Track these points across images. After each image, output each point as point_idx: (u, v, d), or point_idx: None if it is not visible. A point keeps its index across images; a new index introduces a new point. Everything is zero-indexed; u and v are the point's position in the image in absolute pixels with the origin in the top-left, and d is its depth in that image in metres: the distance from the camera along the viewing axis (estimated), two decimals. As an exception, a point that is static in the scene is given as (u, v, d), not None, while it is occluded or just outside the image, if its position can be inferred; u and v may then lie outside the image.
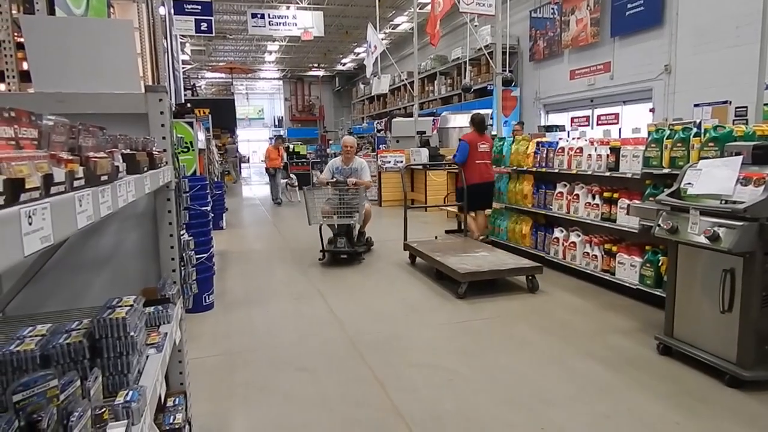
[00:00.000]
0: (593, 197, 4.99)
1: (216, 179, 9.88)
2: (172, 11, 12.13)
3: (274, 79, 34.49)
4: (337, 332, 4.08)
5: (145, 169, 1.51)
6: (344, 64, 30.79)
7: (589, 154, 5.00)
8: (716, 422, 2.69)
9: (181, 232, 2.26)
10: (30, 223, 0.62)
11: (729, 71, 9.25)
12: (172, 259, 2.12)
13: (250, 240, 8.64)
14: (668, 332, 3.43)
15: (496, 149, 6.67)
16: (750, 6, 8.90)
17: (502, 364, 3.44)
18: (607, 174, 4.77)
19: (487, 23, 14.23)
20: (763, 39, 5.62)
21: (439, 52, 18.68)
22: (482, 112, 7.58)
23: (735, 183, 2.95)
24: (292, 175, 14.39)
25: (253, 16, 15.53)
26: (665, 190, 3.53)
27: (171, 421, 1.97)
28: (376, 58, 15.56)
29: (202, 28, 13.51)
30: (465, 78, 15.18)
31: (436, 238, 6.92)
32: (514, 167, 6.23)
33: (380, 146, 15.12)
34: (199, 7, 13.49)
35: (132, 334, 1.37)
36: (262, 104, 34.92)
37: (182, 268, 2.19)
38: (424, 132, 13.19)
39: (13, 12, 3.52)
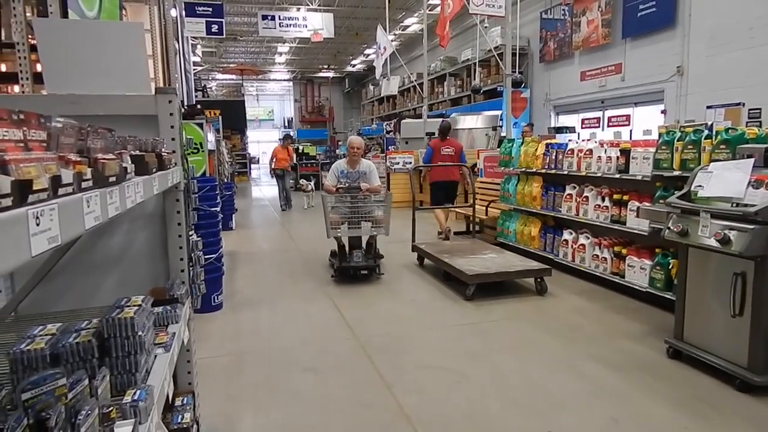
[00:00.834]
0: (603, 199, 4.96)
1: (226, 180, 9.94)
2: (184, 13, 12.26)
3: (284, 80, 34.63)
4: (345, 333, 4.09)
5: (154, 170, 1.53)
6: (354, 66, 30.84)
7: (599, 156, 4.97)
8: (726, 427, 2.66)
9: (190, 233, 2.28)
10: (38, 224, 0.63)
11: (742, 73, 9.15)
12: (181, 259, 2.14)
13: (260, 241, 8.68)
14: (678, 336, 3.39)
15: (504, 150, 6.66)
16: (764, 7, 8.81)
17: (509, 366, 3.42)
18: (617, 176, 4.73)
19: (497, 24, 14.18)
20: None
21: (448, 54, 18.65)
22: (495, 113, 7.73)
23: (746, 186, 2.91)
24: (303, 181, 13.10)
25: (264, 17, 15.62)
26: (676, 192, 3.50)
27: (179, 420, 1.99)
28: (386, 60, 15.58)
29: (213, 30, 13.63)
30: (475, 79, 15.15)
31: (444, 238, 6.91)
32: (523, 169, 6.20)
33: (389, 147, 15.14)
34: (210, 9, 13.61)
35: (140, 333, 1.39)
36: (272, 105, 35.07)
37: (191, 268, 2.21)
38: (434, 133, 13.17)
39: (27, 15, 3.57)
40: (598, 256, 4.99)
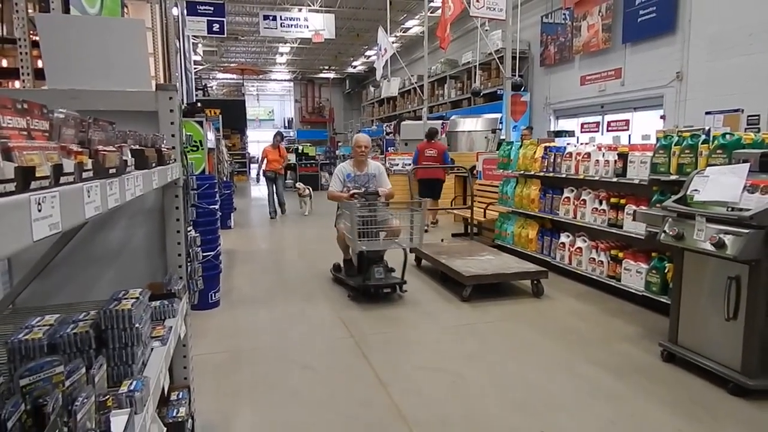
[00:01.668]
0: (600, 203, 4.98)
1: (225, 179, 9.95)
2: (185, 12, 12.27)
3: (284, 80, 34.68)
4: (342, 332, 4.10)
5: (154, 165, 1.54)
6: (355, 67, 30.90)
7: (597, 160, 4.99)
8: (719, 430, 2.68)
9: (188, 229, 2.29)
10: (39, 210, 0.64)
11: (742, 79, 9.19)
12: (179, 254, 2.16)
13: (258, 240, 8.70)
14: (672, 339, 3.41)
15: (503, 153, 6.69)
16: (764, 14, 8.85)
17: (506, 367, 3.44)
18: (615, 180, 4.76)
19: (498, 28, 14.23)
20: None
21: (449, 56, 18.70)
22: (494, 116, 7.80)
23: (742, 190, 2.94)
24: (299, 184, 11.75)
25: (265, 17, 15.66)
26: (672, 196, 3.52)
27: (174, 414, 2.00)
28: (387, 61, 15.63)
29: (214, 29, 13.66)
30: (475, 82, 15.18)
31: (442, 241, 6.93)
32: (522, 171, 6.23)
33: (389, 149, 15.17)
34: (212, 8, 13.64)
35: (137, 325, 1.40)
36: (272, 105, 35.10)
37: (188, 263, 2.22)
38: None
39: (29, 11, 3.59)
40: (594, 259, 5.01)
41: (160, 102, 2.02)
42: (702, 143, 3.84)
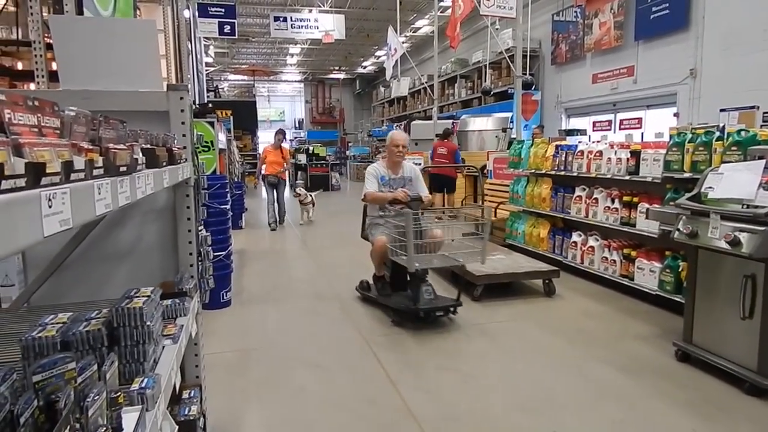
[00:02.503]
0: (612, 201, 4.93)
1: (236, 179, 10.01)
2: (197, 14, 12.37)
3: (295, 81, 34.81)
4: (352, 331, 4.10)
5: (164, 164, 1.55)
6: (365, 67, 30.93)
7: (609, 158, 4.94)
8: (734, 430, 2.64)
9: (199, 228, 2.30)
10: (50, 206, 0.65)
11: (757, 76, 9.05)
12: (190, 253, 2.17)
13: (269, 240, 8.73)
14: (687, 339, 3.37)
15: (514, 152, 6.66)
16: (779, 9, 8.71)
17: (516, 367, 3.42)
18: (627, 178, 4.71)
19: (508, 26, 14.16)
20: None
21: (459, 56, 18.65)
22: (505, 115, 7.80)
23: (757, 187, 2.89)
24: (300, 189, 10.16)
25: (276, 19, 15.73)
26: (686, 194, 3.48)
27: (186, 412, 2.01)
28: (397, 61, 15.62)
29: (226, 30, 13.75)
30: (485, 81, 15.12)
31: (452, 240, 6.90)
32: (533, 170, 6.19)
33: (399, 149, 15.12)
34: (223, 10, 13.73)
35: (148, 323, 1.41)
36: (283, 106, 35.25)
37: (199, 262, 2.24)
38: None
39: (44, 14, 3.64)
40: (607, 258, 4.96)
41: (171, 102, 2.04)
42: (716, 140, 3.79)
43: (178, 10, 7.18)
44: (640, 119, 12.46)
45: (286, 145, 10.01)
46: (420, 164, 11.52)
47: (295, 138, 29.88)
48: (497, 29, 13.79)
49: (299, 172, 17.50)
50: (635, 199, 4.67)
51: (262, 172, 9.48)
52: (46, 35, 3.46)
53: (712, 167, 3.45)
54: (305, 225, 9.80)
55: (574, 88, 14.29)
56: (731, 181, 3.07)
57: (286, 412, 2.90)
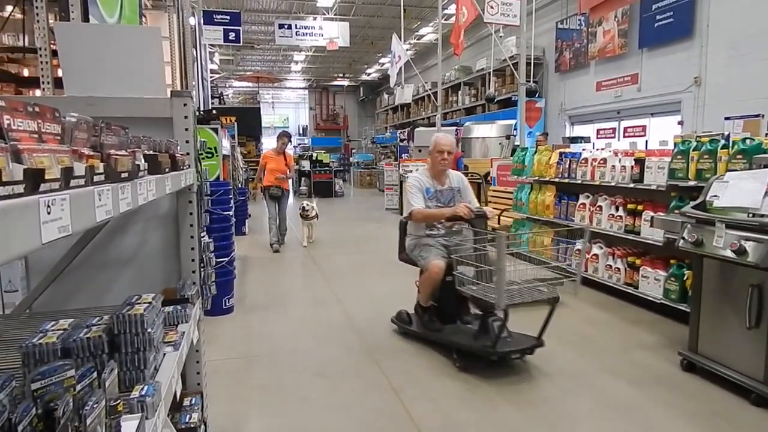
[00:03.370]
0: (617, 209, 4.91)
1: (240, 186, 10.02)
2: (202, 21, 12.46)
3: (299, 88, 34.93)
4: (355, 339, 4.08)
5: (167, 170, 1.55)
6: (369, 75, 31.02)
7: (613, 165, 4.93)
8: (741, 442, 2.61)
9: (202, 235, 2.30)
10: (49, 213, 0.64)
11: (762, 84, 9.02)
12: (192, 260, 2.16)
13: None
14: (692, 348, 3.34)
15: (518, 159, 6.65)
16: (783, 17, 8.70)
17: (520, 376, 3.39)
18: (631, 185, 4.69)
19: (512, 34, 14.18)
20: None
21: (463, 63, 18.69)
22: (508, 123, 7.87)
23: (763, 196, 2.87)
24: (306, 203, 8.30)
25: (281, 26, 15.80)
26: (691, 202, 3.46)
27: (187, 420, 2.00)
28: (401, 68, 15.67)
29: (231, 38, 13.82)
30: (489, 88, 15.14)
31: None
32: (537, 178, 6.17)
33: (402, 155, 15.17)
34: (228, 17, 13.81)
35: (149, 330, 1.40)
36: (287, 113, 35.35)
37: (202, 269, 2.23)
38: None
39: (50, 21, 3.67)
40: (611, 266, 4.93)
41: (174, 108, 2.04)
42: (721, 148, 3.77)
43: (184, 17, 7.23)
44: (644, 127, 12.43)
45: (290, 151, 8.25)
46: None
47: (299, 144, 29.93)
48: (501, 37, 13.82)
49: (302, 179, 17.52)
50: (639, 207, 4.65)
51: (262, 182, 7.89)
52: (52, 42, 3.49)
53: (717, 175, 3.43)
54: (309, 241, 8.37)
55: (578, 95, 14.29)
56: (737, 190, 3.05)
57: (288, 419, 2.88)
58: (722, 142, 3.83)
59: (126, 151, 1.13)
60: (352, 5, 18.26)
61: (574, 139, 12.65)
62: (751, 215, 2.90)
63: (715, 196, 3.17)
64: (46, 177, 0.64)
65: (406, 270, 5.30)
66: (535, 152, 6.34)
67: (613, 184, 4.92)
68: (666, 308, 4.26)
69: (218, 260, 3.96)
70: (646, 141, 11.63)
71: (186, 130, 2.07)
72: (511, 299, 3.14)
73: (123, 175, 1.01)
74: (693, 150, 3.98)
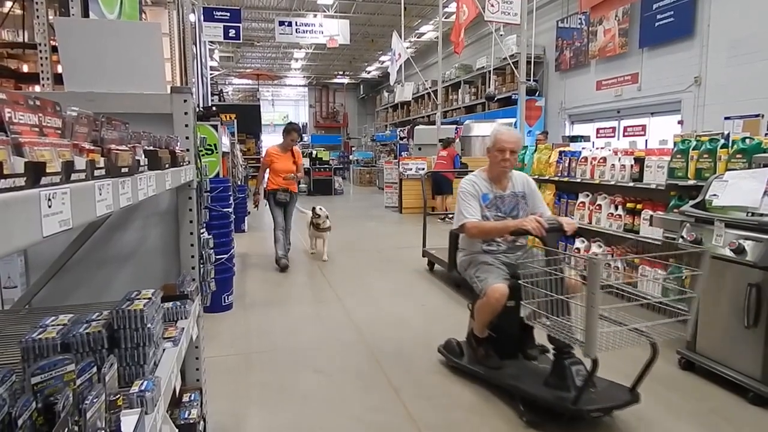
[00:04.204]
0: (616, 208, 4.91)
1: (240, 183, 10.01)
2: (202, 18, 12.44)
3: (299, 86, 34.90)
4: (355, 337, 4.09)
5: (167, 166, 1.55)
6: (369, 72, 31.00)
7: (613, 164, 4.93)
8: (739, 441, 2.61)
9: (202, 231, 2.30)
10: (50, 206, 0.64)
11: (761, 84, 9.03)
12: (192, 256, 2.16)
13: (272, 243, 8.71)
14: (691, 347, 3.34)
15: (518, 157, 6.65)
16: (784, 17, 8.69)
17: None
18: (631, 184, 4.69)
19: (512, 33, 14.17)
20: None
21: (463, 61, 18.68)
22: (508, 121, 8.01)
23: (762, 195, 2.87)
24: (320, 209, 6.82)
25: (281, 23, 15.80)
26: (690, 201, 3.46)
27: (186, 416, 2.00)
28: (401, 66, 15.65)
29: (231, 35, 13.80)
30: (489, 87, 15.14)
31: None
32: (536, 176, 6.16)
33: (402, 153, 15.17)
34: (228, 14, 13.79)
35: (149, 325, 1.40)
36: (287, 110, 35.29)
37: (201, 265, 2.23)
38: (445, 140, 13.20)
39: (50, 17, 3.66)
40: (609, 265, 4.93)
41: (174, 104, 2.04)
42: (721, 148, 3.78)
43: (184, 14, 7.21)
44: (644, 126, 12.43)
45: (298, 148, 6.70)
46: (423, 168, 11.53)
47: (299, 142, 29.94)
48: (501, 35, 13.81)
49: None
50: (639, 206, 4.65)
51: (265, 184, 6.54)
52: (51, 38, 3.48)
53: (716, 175, 3.44)
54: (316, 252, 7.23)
55: (578, 94, 14.28)
56: (736, 189, 3.06)
57: (288, 416, 2.88)
58: (722, 141, 3.83)
59: (126, 146, 1.13)
60: (353, 3, 18.25)
61: (574, 138, 12.63)
62: (750, 214, 2.91)
63: (715, 195, 3.18)
64: (47, 170, 0.65)
65: (406, 268, 5.33)
66: (535, 151, 6.34)
67: (612, 182, 4.92)
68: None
69: (218, 257, 3.96)
70: (646, 140, 11.64)
71: (186, 126, 2.07)
72: (604, 346, 2.40)
73: (123, 170, 1.01)
74: (692, 149, 3.99)
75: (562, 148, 6.01)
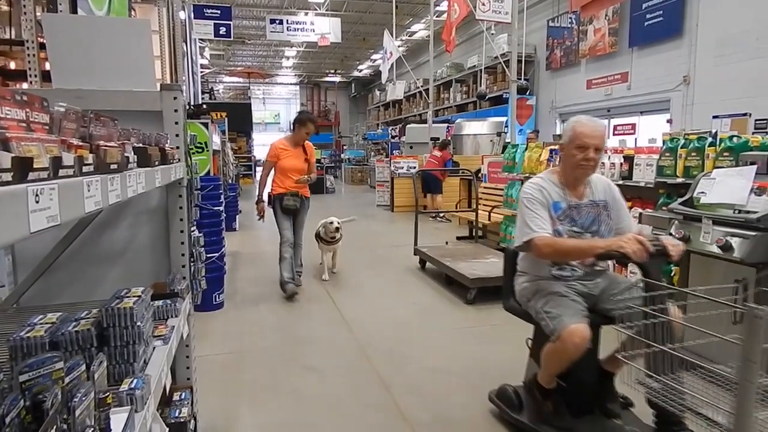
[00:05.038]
0: (606, 206, 4.94)
1: (230, 181, 9.97)
2: (192, 15, 12.36)
3: (290, 84, 34.81)
4: (346, 334, 4.09)
5: (157, 163, 1.54)
6: (360, 71, 30.98)
7: (602, 162, 4.96)
8: (726, 435, 2.64)
9: (192, 229, 2.29)
10: (37, 202, 0.64)
11: (749, 83, 9.14)
12: (182, 254, 2.16)
13: (263, 242, 8.69)
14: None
15: (508, 156, 6.68)
16: (771, 17, 8.80)
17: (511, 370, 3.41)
18: (620, 182, 4.72)
19: (504, 31, 14.22)
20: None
21: (455, 60, 18.72)
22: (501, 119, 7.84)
23: (749, 193, 2.91)
24: (334, 219, 5.78)
25: (272, 21, 15.73)
26: (678, 199, 3.49)
27: (176, 414, 2.00)
28: (392, 65, 15.65)
29: (221, 32, 13.73)
30: (481, 85, 15.19)
31: (446, 243, 6.91)
32: (527, 174, 6.19)
33: (393, 152, 15.18)
34: (219, 12, 13.72)
35: (139, 323, 1.40)
36: (278, 109, 35.21)
37: (192, 263, 2.22)
38: (438, 138, 13.23)
39: (38, 13, 3.62)
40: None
41: (164, 102, 2.03)
42: (709, 146, 3.81)
43: (174, 11, 7.17)
44: (633, 125, 12.54)
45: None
46: (415, 167, 11.55)
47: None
48: (493, 34, 13.85)
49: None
50: (628, 204, 4.67)
51: (271, 188, 5.18)
52: (39, 35, 3.45)
53: (704, 172, 3.47)
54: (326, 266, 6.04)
55: (568, 93, 14.37)
56: (723, 186, 3.09)
57: (279, 414, 2.88)
58: (710, 139, 3.87)
59: (115, 142, 1.13)
60: (344, 1, 18.23)
61: (565, 137, 12.72)
62: (736, 212, 2.94)
63: (702, 192, 3.21)
64: (35, 166, 0.64)
65: (398, 267, 5.30)
66: (526, 149, 6.37)
67: (602, 181, 4.95)
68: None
69: (209, 255, 3.95)
70: (636, 139, 11.74)
71: (176, 123, 2.06)
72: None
73: (112, 167, 1.01)
74: (681, 147, 4.02)
75: (552, 147, 6.04)
